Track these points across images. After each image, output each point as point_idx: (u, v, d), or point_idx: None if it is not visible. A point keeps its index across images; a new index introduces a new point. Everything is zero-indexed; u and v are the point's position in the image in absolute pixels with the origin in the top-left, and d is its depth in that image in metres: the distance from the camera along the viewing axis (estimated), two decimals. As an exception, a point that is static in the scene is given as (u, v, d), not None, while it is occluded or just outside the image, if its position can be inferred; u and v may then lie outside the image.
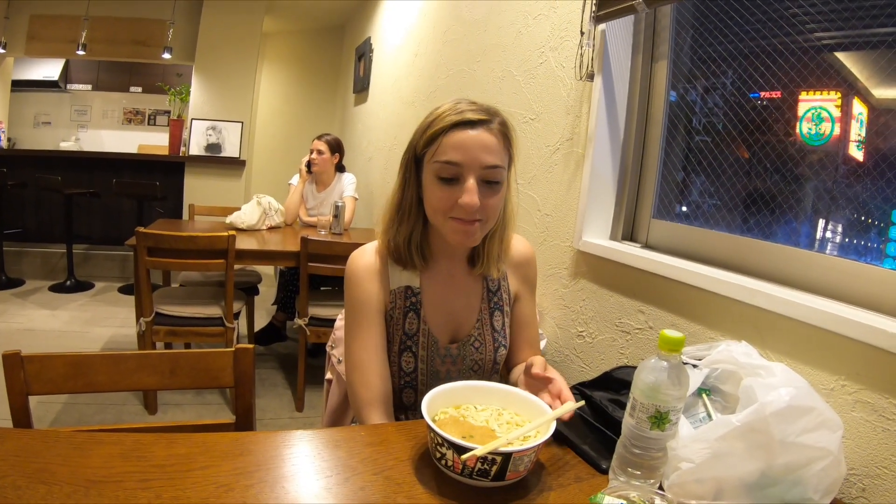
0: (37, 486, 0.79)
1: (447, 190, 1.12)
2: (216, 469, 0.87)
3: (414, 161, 1.19)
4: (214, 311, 2.95)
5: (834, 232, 1.31)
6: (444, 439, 0.85)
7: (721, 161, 1.56)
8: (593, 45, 1.79)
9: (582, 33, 1.80)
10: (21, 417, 1.10)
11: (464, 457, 0.82)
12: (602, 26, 1.77)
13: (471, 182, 1.10)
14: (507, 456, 0.83)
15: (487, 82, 2.58)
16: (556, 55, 2.02)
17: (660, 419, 0.85)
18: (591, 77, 1.80)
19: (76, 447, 0.90)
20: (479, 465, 0.84)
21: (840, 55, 1.30)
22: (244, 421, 1.22)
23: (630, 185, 1.80)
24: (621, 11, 1.65)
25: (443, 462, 0.88)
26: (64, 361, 1.14)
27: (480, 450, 0.82)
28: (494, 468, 0.84)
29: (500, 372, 1.37)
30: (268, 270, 4.55)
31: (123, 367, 1.17)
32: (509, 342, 1.35)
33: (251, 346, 1.21)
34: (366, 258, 1.26)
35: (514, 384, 1.21)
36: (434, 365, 1.26)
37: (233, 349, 1.20)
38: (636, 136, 1.79)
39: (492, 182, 1.13)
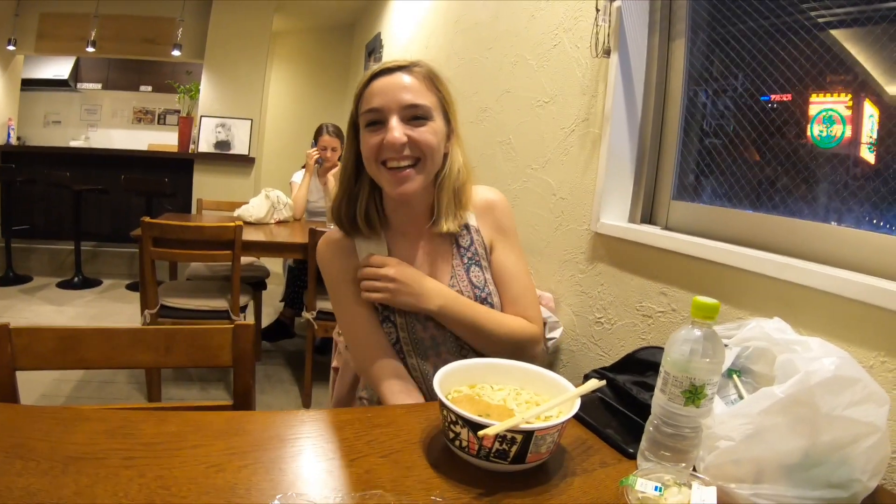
0: (13, 462, 0.73)
1: (375, 135, 1.12)
2: (208, 448, 0.80)
3: (353, 127, 1.20)
4: (220, 303, 2.90)
5: (864, 208, 1.23)
6: (458, 416, 0.77)
7: (743, 138, 1.48)
8: (609, 22, 1.72)
9: (597, 10, 1.73)
10: (7, 393, 1.04)
11: (481, 433, 0.74)
12: (618, 3, 1.69)
13: (393, 121, 1.10)
14: (528, 434, 0.76)
15: (500, 69, 2.51)
16: (571, 36, 1.95)
17: (695, 394, 0.78)
18: (607, 53, 1.73)
19: (60, 423, 0.84)
20: (497, 445, 0.76)
21: (850, 45, 1.24)
22: (243, 402, 1.14)
23: (648, 165, 1.72)
24: (638, -15, 1.58)
25: (457, 443, 0.80)
26: (54, 335, 1.08)
27: (498, 426, 0.74)
28: (514, 448, 0.77)
29: None
30: (277, 268, 4.50)
31: (116, 342, 1.11)
32: (501, 305, 1.28)
33: (251, 323, 1.15)
34: (331, 239, 1.27)
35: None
36: (416, 332, 1.21)
37: (232, 326, 1.13)
38: (654, 114, 1.71)
39: (418, 118, 1.12)
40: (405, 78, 1.12)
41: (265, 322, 3.91)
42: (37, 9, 5.63)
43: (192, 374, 3.28)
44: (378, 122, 1.12)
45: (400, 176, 1.11)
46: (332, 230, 1.29)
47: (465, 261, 1.26)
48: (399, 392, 1.15)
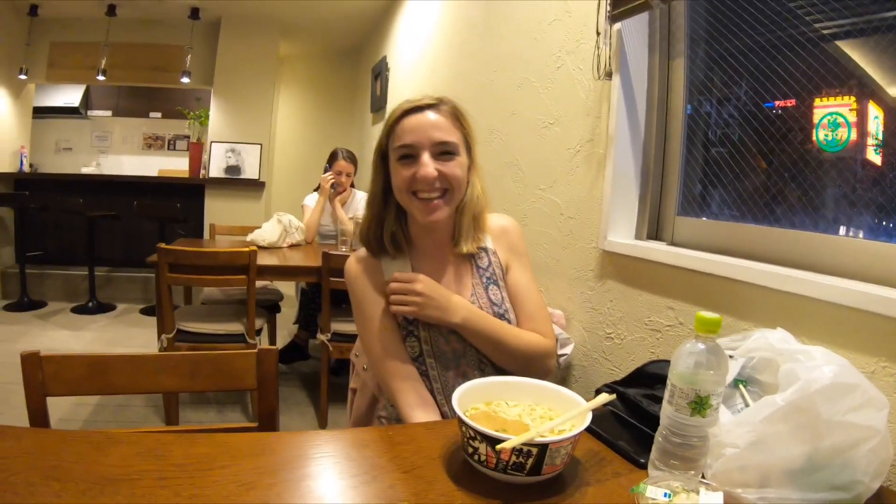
0: (50, 483, 0.77)
1: (407, 168, 1.21)
2: (237, 468, 0.84)
3: (381, 157, 1.29)
4: (236, 327, 2.94)
5: (865, 217, 1.26)
6: (476, 432, 0.81)
7: (744, 155, 1.52)
8: (610, 45, 1.77)
9: (598, 33, 1.78)
10: (38, 418, 1.09)
11: (498, 447, 0.78)
12: (618, 25, 1.75)
13: (425, 157, 1.20)
14: (543, 447, 0.79)
15: (505, 91, 2.56)
16: (573, 58, 2.01)
17: (700, 404, 0.81)
18: (608, 76, 1.78)
19: (93, 446, 0.88)
20: (513, 458, 0.80)
21: (851, 51, 1.27)
22: (267, 424, 1.19)
23: (653, 182, 1.76)
24: (636, 8, 1.64)
25: (475, 457, 0.84)
26: (83, 362, 1.13)
27: (515, 440, 0.78)
28: (530, 461, 0.80)
29: None
30: (290, 291, 4.54)
31: (143, 368, 1.16)
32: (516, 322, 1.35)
33: (274, 347, 1.19)
34: (358, 258, 1.35)
35: None
36: (439, 345, 1.27)
37: (255, 350, 1.17)
38: (657, 133, 1.76)
39: (446, 153, 1.22)
40: (434, 116, 1.22)
41: (279, 344, 3.94)
42: (47, 38, 5.76)
43: (209, 397, 3.31)
44: (410, 156, 1.21)
45: (430, 206, 1.21)
46: (359, 250, 1.37)
47: (484, 280, 1.33)
48: (415, 405, 1.21)
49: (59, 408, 3.01)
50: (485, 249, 1.36)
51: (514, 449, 0.78)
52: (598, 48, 1.78)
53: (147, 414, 3.07)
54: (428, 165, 1.19)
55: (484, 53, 2.88)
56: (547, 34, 2.19)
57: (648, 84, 1.77)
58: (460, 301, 1.25)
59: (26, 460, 0.83)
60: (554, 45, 2.13)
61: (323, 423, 3.07)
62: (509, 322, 1.31)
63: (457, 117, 1.26)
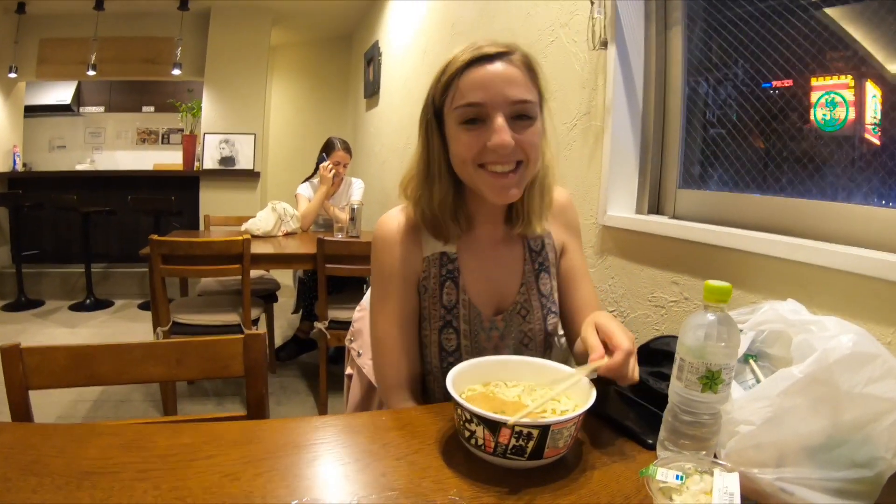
0: (28, 478, 0.73)
1: (473, 134, 0.98)
2: (222, 458, 0.80)
3: (434, 116, 1.06)
4: (232, 318, 2.90)
5: (871, 185, 1.21)
6: (473, 414, 0.76)
7: (746, 124, 1.47)
8: (604, 13, 1.71)
9: (592, 3, 1.72)
10: (20, 412, 1.05)
11: (508, 421, 0.73)
12: (612, -7, 1.69)
13: (499, 120, 0.96)
14: (544, 429, 0.74)
15: (498, 68, 2.50)
16: (567, 31, 1.95)
17: (711, 379, 0.76)
18: (604, 45, 1.72)
19: (74, 439, 0.84)
20: (513, 441, 0.75)
21: (848, 25, 1.22)
22: (256, 412, 1.14)
23: (653, 155, 1.71)
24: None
25: (472, 442, 0.79)
26: (65, 353, 1.08)
27: (514, 418, 0.73)
28: (531, 444, 0.75)
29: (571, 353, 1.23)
30: (287, 280, 4.49)
31: (127, 357, 1.11)
32: (567, 308, 1.22)
33: (262, 332, 1.14)
34: (395, 222, 1.14)
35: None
36: (479, 340, 1.14)
37: (242, 336, 1.12)
38: (655, 104, 1.70)
39: (523, 116, 0.99)
40: (507, 67, 0.98)
41: (278, 334, 3.90)
42: (36, 35, 5.68)
43: (207, 388, 3.28)
44: (477, 119, 0.99)
45: (503, 182, 1.00)
46: (391, 211, 1.17)
47: (536, 266, 1.19)
48: (404, 402, 1.12)
49: (59, 405, 2.98)
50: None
51: (513, 431, 0.74)
52: (593, 17, 1.73)
53: (146, 408, 3.04)
54: (503, 131, 0.95)
55: (477, 32, 2.82)
56: (540, 8, 2.13)
57: (645, 54, 1.71)
58: None
59: (4, 455, 0.79)
60: (547, 19, 2.07)
61: (323, 412, 3.04)
62: (555, 315, 1.20)
63: (532, 69, 1.01)
